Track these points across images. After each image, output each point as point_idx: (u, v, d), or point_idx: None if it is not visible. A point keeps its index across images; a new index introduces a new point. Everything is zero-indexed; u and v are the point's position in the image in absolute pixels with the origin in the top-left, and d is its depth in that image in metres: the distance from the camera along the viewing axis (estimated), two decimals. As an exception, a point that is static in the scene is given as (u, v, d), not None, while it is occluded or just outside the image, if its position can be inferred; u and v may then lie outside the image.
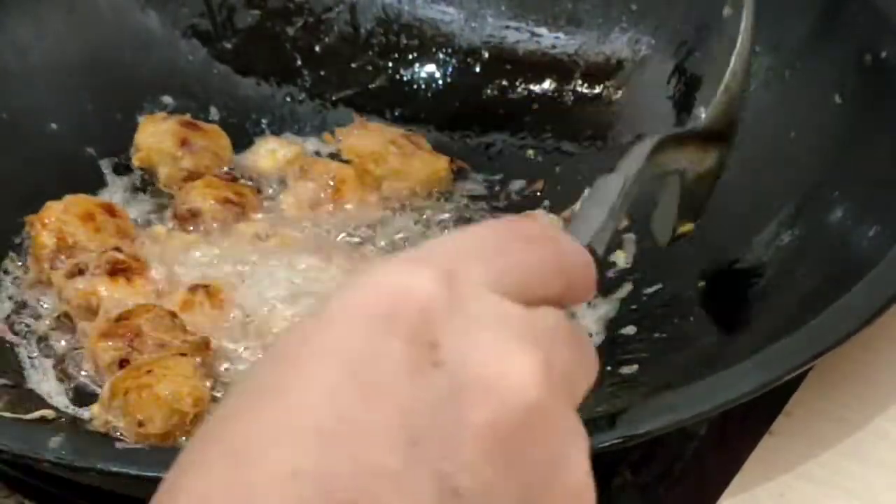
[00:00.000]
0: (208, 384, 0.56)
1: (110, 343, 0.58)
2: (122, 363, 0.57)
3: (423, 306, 0.29)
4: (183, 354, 0.57)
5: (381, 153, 0.69)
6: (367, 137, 0.70)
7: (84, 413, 0.57)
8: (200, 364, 0.57)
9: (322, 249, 0.64)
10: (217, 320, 0.59)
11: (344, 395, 0.27)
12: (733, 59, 0.57)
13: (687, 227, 0.59)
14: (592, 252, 0.38)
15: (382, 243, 0.66)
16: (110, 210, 0.65)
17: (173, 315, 0.59)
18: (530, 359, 0.29)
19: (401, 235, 0.66)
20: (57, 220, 0.63)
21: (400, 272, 0.29)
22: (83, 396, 0.58)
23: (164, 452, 0.49)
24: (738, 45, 0.58)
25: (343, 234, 0.66)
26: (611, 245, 0.41)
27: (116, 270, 0.61)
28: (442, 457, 0.27)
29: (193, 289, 0.60)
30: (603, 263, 0.42)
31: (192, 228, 0.65)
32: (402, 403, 0.27)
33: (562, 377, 0.30)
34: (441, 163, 0.70)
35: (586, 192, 0.44)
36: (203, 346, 0.57)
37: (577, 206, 0.43)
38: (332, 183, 0.67)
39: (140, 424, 0.54)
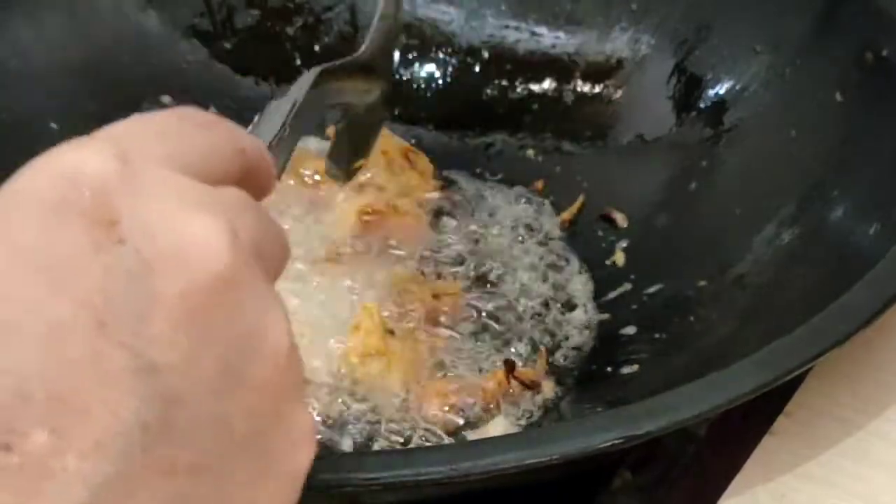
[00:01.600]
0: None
1: None
2: None
3: (97, 185, 0.29)
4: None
5: (368, 164, 0.68)
6: None
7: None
8: None
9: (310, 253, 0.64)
10: None
11: (26, 290, 0.27)
12: None
13: (359, 163, 0.61)
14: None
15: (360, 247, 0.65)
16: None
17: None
18: (215, 226, 0.29)
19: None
20: None
21: (72, 154, 0.29)
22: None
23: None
24: None
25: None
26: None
27: None
28: (134, 334, 0.27)
29: None
30: (279, 171, 0.43)
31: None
32: (85, 287, 0.27)
33: (251, 245, 0.30)
34: (424, 186, 0.69)
35: (257, 116, 0.47)
36: None
37: (252, 125, 0.47)
38: (316, 178, 0.67)
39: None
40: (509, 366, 0.58)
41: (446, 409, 0.56)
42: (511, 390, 0.57)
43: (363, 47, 0.58)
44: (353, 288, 0.62)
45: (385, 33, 0.59)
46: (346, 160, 0.61)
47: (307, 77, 0.50)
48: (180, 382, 0.28)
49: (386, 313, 0.60)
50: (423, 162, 0.70)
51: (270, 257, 0.32)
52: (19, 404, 0.26)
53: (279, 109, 0.46)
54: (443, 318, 0.61)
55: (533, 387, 0.58)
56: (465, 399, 0.57)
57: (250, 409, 0.29)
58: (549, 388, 0.58)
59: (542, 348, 0.60)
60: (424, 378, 0.58)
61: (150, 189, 0.29)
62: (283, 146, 0.45)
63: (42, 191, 0.29)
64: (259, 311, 0.30)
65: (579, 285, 0.64)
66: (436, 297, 0.62)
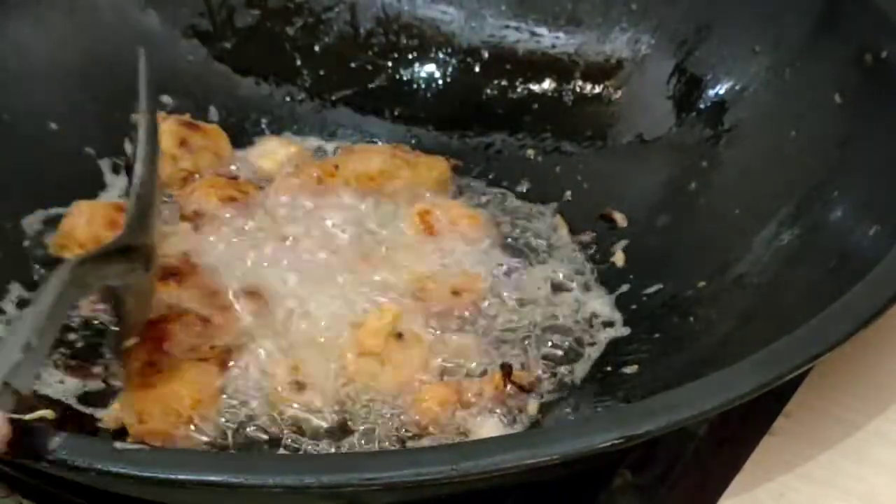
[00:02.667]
0: (219, 387, 0.56)
1: (140, 346, 0.57)
2: (149, 366, 0.57)
3: None
4: (204, 360, 0.57)
5: (391, 170, 0.68)
6: (366, 160, 0.68)
7: (98, 413, 0.57)
8: (217, 372, 0.57)
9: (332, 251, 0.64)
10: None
11: None
12: (138, 166, 0.56)
13: (131, 342, 0.57)
14: (7, 386, 0.41)
15: (385, 232, 0.65)
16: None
17: (205, 321, 0.59)
18: None
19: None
20: (87, 238, 0.63)
21: None
22: (91, 396, 0.58)
23: (162, 453, 0.48)
24: (141, 150, 0.56)
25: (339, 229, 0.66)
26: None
27: (167, 274, 0.60)
28: None
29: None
30: (25, 399, 0.42)
31: (198, 228, 0.65)
32: None
33: None
34: (442, 162, 0.70)
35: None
36: (224, 354, 0.58)
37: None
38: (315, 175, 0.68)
39: (140, 420, 0.54)
40: (506, 370, 0.58)
41: (445, 409, 0.56)
42: (508, 393, 0.57)
43: (123, 229, 0.55)
44: (373, 285, 0.62)
45: (141, 214, 0.55)
46: (120, 340, 0.57)
47: (56, 277, 0.47)
48: None
49: (404, 312, 0.60)
50: (409, 149, 0.71)
51: None
52: None
53: (24, 324, 0.44)
54: (455, 319, 0.61)
55: (530, 390, 0.58)
56: (463, 400, 0.57)
57: None
58: (547, 392, 0.58)
59: (541, 350, 0.61)
60: (423, 379, 0.58)
61: None
62: (28, 362, 0.43)
63: None
64: None
65: (578, 288, 0.65)
66: (455, 293, 0.62)
